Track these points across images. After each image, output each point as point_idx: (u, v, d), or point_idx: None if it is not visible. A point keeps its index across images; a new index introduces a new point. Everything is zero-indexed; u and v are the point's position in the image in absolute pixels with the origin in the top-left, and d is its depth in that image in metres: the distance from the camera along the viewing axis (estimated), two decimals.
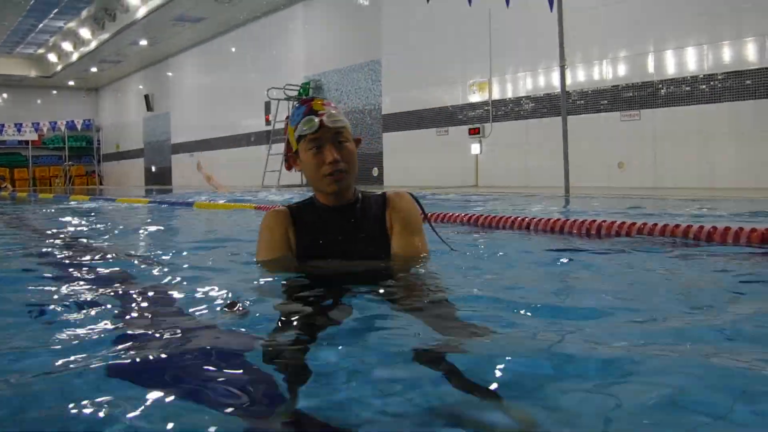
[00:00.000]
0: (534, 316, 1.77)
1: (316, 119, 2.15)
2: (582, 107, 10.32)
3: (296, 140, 2.21)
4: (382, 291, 1.99)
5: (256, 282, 2.20)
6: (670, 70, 9.28)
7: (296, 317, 1.76)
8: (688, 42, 9.06)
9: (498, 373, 1.27)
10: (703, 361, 1.32)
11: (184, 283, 2.47)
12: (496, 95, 11.86)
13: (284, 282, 2.14)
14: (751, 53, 8.45)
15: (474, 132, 12.17)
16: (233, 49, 20.18)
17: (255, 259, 2.35)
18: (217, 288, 2.19)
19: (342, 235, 2.25)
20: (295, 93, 16.32)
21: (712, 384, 1.20)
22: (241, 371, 1.37)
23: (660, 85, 9.39)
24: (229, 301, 1.93)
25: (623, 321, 1.71)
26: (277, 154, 16.22)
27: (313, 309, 1.82)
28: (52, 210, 9.00)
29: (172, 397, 1.19)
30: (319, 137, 2.15)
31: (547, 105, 10.91)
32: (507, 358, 1.34)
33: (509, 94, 11.62)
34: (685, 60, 9.10)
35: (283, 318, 1.77)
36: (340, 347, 1.47)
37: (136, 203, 10.17)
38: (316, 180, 2.20)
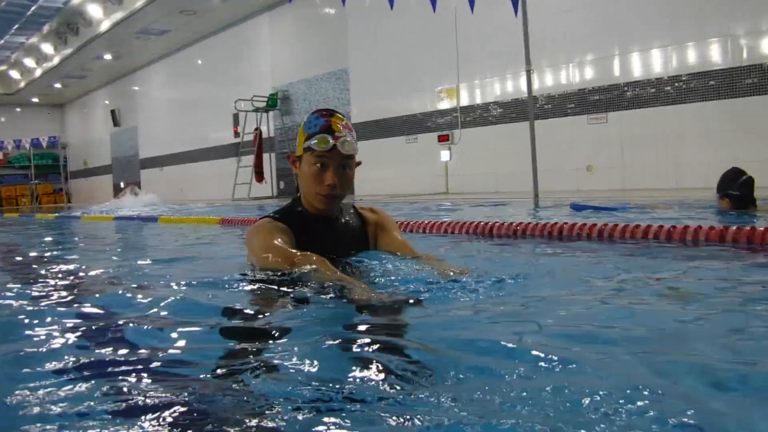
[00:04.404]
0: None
1: (331, 141, 2.20)
2: (549, 111, 10.33)
3: (303, 149, 2.28)
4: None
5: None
6: (636, 72, 9.32)
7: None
8: (652, 44, 9.10)
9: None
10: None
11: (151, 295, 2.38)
12: (464, 101, 11.83)
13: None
14: (715, 54, 8.51)
15: (443, 139, 12.13)
16: (199, 62, 19.97)
17: (259, 263, 2.29)
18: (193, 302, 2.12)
19: (330, 239, 2.38)
20: (263, 104, 16.16)
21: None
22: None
23: (626, 88, 9.42)
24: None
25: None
26: (247, 167, 16.06)
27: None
28: (19, 229, 8.86)
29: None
30: (328, 158, 2.22)
31: (515, 110, 10.89)
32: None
33: (478, 100, 11.60)
34: (650, 62, 9.15)
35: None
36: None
37: (101, 220, 9.95)
38: (309, 193, 2.32)
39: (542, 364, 1.30)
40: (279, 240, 2.24)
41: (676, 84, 8.88)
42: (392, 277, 2.16)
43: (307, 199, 2.36)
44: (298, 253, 2.16)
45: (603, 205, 5.86)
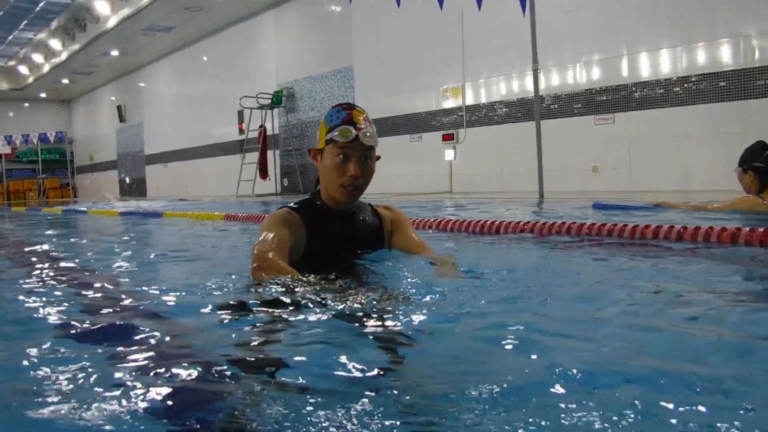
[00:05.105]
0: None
1: (354, 131, 2.24)
2: (556, 111, 10.21)
3: (325, 141, 2.31)
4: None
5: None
6: (644, 72, 9.19)
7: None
8: (661, 44, 8.97)
9: None
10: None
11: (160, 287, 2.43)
12: (469, 100, 11.72)
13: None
14: (725, 55, 8.37)
15: (448, 138, 12.02)
16: (205, 58, 19.93)
17: (256, 251, 2.17)
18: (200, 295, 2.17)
19: (345, 233, 2.41)
20: (268, 101, 16.10)
21: None
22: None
23: (634, 88, 9.30)
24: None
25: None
26: (251, 163, 16.01)
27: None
28: (25, 223, 8.98)
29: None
30: (350, 149, 2.26)
31: (521, 110, 10.78)
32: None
33: (483, 99, 11.50)
34: (659, 62, 9.02)
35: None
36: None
37: (107, 215, 10.02)
38: (331, 185, 2.33)
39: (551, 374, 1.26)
40: (273, 235, 2.21)
41: (685, 85, 8.74)
42: (399, 279, 2.16)
43: (327, 193, 2.38)
44: (267, 260, 2.10)
45: (627, 204, 5.76)
